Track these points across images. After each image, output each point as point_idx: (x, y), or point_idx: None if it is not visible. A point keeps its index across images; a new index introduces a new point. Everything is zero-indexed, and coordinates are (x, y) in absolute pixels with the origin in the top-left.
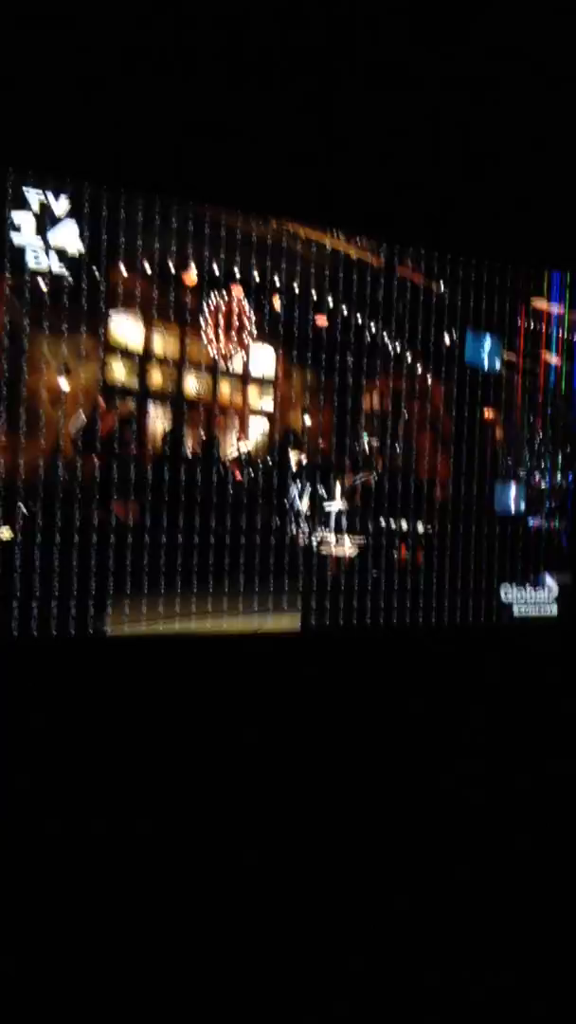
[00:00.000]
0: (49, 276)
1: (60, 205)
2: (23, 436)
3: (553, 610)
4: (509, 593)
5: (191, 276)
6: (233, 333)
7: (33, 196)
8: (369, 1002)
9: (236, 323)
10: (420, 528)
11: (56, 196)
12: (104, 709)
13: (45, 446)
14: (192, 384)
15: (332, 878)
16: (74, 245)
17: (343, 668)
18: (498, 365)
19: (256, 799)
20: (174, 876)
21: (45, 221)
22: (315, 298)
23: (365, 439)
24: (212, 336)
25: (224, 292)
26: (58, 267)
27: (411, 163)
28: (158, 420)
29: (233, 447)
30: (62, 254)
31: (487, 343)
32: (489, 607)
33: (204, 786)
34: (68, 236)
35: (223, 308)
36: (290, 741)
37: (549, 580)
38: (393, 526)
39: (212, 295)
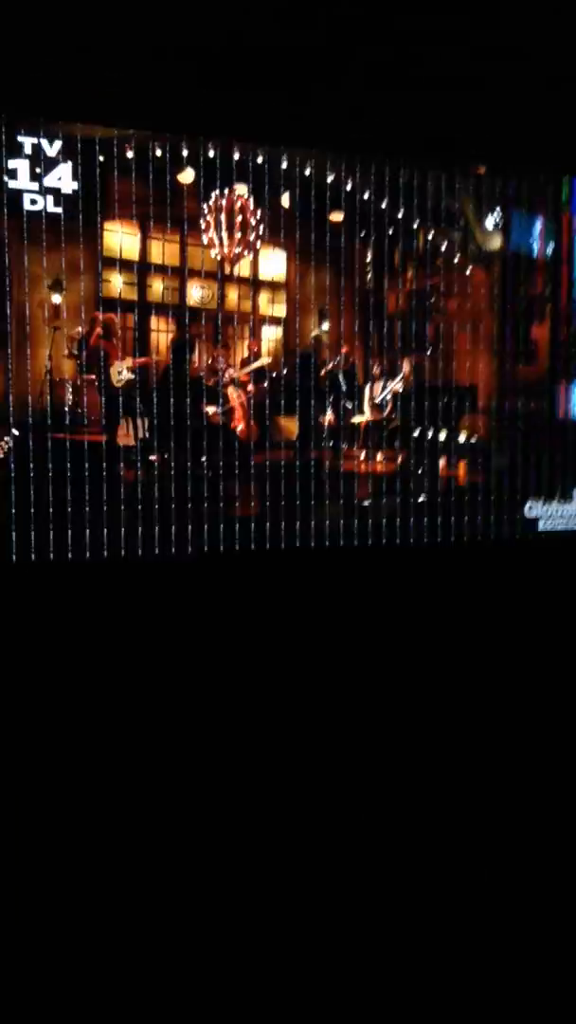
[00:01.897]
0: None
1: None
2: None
3: None
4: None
5: (187, 174)
6: (237, 234)
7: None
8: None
9: (240, 223)
10: (462, 439)
11: (50, 141)
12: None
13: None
14: (195, 293)
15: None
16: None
17: (358, 588)
18: (551, 250)
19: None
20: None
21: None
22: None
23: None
24: (215, 239)
25: (225, 190)
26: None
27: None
28: (160, 333)
29: (244, 360)
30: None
31: (537, 225)
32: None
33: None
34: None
35: (224, 207)
36: (305, 651)
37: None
38: (429, 438)
39: (212, 193)
